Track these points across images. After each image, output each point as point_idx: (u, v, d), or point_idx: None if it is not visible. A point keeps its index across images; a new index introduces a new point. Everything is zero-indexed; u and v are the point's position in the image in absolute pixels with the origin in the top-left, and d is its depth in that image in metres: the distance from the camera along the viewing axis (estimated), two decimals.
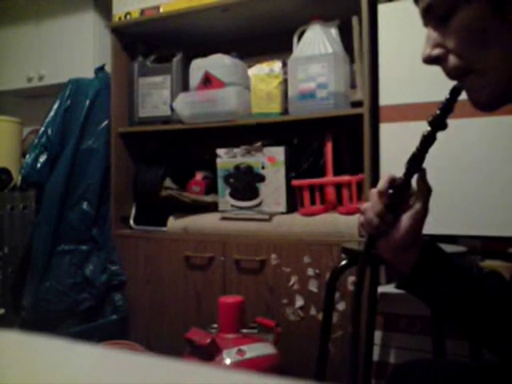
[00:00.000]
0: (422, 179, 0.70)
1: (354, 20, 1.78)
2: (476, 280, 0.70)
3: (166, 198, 2.03)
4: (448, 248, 1.32)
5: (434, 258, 0.71)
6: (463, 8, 0.62)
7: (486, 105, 0.66)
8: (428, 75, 1.10)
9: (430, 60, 0.67)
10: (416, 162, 0.70)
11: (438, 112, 0.68)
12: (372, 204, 0.70)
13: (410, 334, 1.48)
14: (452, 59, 0.65)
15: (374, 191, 0.71)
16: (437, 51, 0.66)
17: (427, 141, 0.69)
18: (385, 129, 1.61)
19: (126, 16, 2.14)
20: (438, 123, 0.68)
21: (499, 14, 0.61)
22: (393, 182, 0.70)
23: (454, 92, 0.68)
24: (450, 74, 0.67)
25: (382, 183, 0.70)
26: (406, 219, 0.68)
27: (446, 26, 0.64)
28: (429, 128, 0.69)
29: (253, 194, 1.90)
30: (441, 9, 0.64)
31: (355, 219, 1.67)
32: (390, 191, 0.69)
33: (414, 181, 0.71)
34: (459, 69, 0.65)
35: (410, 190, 0.70)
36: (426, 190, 0.69)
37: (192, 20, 2.06)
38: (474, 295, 0.68)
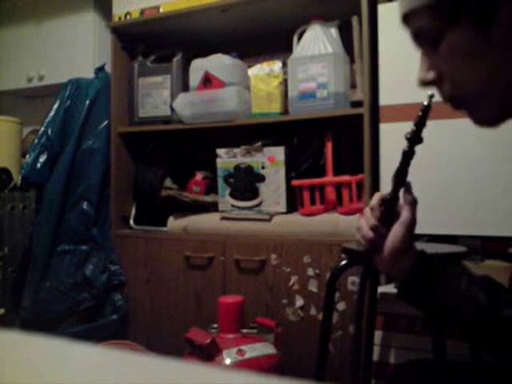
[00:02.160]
0: (408, 192, 0.74)
1: (354, 20, 1.78)
2: (464, 292, 0.70)
3: (166, 197, 2.03)
4: (448, 248, 1.32)
5: (424, 273, 0.73)
6: (450, 31, 0.63)
7: (488, 123, 0.68)
8: None
9: (425, 84, 0.69)
10: (400, 177, 0.74)
11: (413, 128, 0.73)
12: (366, 220, 0.75)
13: (410, 334, 1.48)
14: (446, 83, 0.66)
15: (367, 208, 0.76)
16: (431, 75, 0.67)
17: (407, 156, 0.73)
18: (385, 129, 1.61)
19: (126, 16, 2.14)
20: (415, 138, 0.73)
21: (484, 35, 0.61)
22: (383, 198, 0.75)
23: (426, 109, 0.72)
24: (446, 97, 0.68)
25: (373, 201, 0.75)
26: (396, 227, 0.73)
27: (436, 49, 0.65)
28: (407, 144, 0.73)
29: (253, 194, 1.90)
30: (430, 33, 0.65)
31: (355, 219, 1.67)
32: (382, 208, 0.74)
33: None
34: (454, 92, 0.66)
35: (399, 204, 0.75)
36: (411, 202, 0.74)
37: (192, 20, 2.06)
38: (461, 308, 0.70)
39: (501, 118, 0.67)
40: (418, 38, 0.68)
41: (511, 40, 0.61)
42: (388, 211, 0.74)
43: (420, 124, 0.73)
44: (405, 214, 0.72)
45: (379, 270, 0.78)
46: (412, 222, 0.73)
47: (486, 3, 0.60)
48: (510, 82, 0.63)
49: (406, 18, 0.68)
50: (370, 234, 0.74)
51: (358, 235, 0.77)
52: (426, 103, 0.72)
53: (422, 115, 0.73)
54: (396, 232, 0.72)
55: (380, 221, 0.74)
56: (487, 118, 0.67)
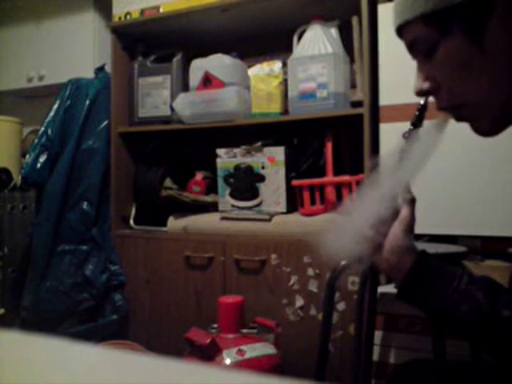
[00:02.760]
0: (407, 190, 0.75)
1: (354, 20, 1.78)
2: (464, 292, 0.69)
3: (166, 197, 2.03)
4: (448, 248, 1.32)
5: (423, 272, 0.72)
6: (444, 42, 0.64)
7: (488, 132, 0.69)
8: None
9: (421, 93, 0.70)
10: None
11: (411, 127, 0.75)
12: (366, 220, 0.75)
13: (410, 334, 1.48)
14: (443, 93, 0.67)
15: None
16: (427, 85, 0.68)
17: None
18: (385, 129, 1.61)
19: (126, 16, 2.14)
20: (412, 137, 0.74)
21: (477, 45, 0.62)
22: (382, 197, 0.75)
23: (422, 108, 0.75)
24: (443, 106, 0.69)
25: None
26: (395, 226, 0.73)
27: (432, 60, 0.66)
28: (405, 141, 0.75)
29: (253, 194, 1.90)
30: (424, 44, 0.66)
31: None
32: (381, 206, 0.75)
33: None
34: (450, 103, 0.67)
35: (398, 202, 0.75)
36: (410, 200, 0.74)
37: (192, 20, 2.06)
38: (461, 308, 0.69)
39: (501, 128, 0.67)
40: (414, 48, 0.69)
41: (504, 50, 0.61)
42: (388, 209, 0.74)
43: (417, 123, 0.74)
44: (404, 213, 0.73)
45: (379, 270, 0.77)
46: (411, 220, 0.73)
47: (476, 14, 0.61)
48: (509, 93, 0.63)
49: (401, 30, 0.69)
50: (371, 233, 0.74)
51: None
52: (422, 102, 0.74)
53: (419, 114, 0.74)
54: (395, 231, 0.72)
55: (379, 220, 0.74)
56: (487, 128, 0.68)
